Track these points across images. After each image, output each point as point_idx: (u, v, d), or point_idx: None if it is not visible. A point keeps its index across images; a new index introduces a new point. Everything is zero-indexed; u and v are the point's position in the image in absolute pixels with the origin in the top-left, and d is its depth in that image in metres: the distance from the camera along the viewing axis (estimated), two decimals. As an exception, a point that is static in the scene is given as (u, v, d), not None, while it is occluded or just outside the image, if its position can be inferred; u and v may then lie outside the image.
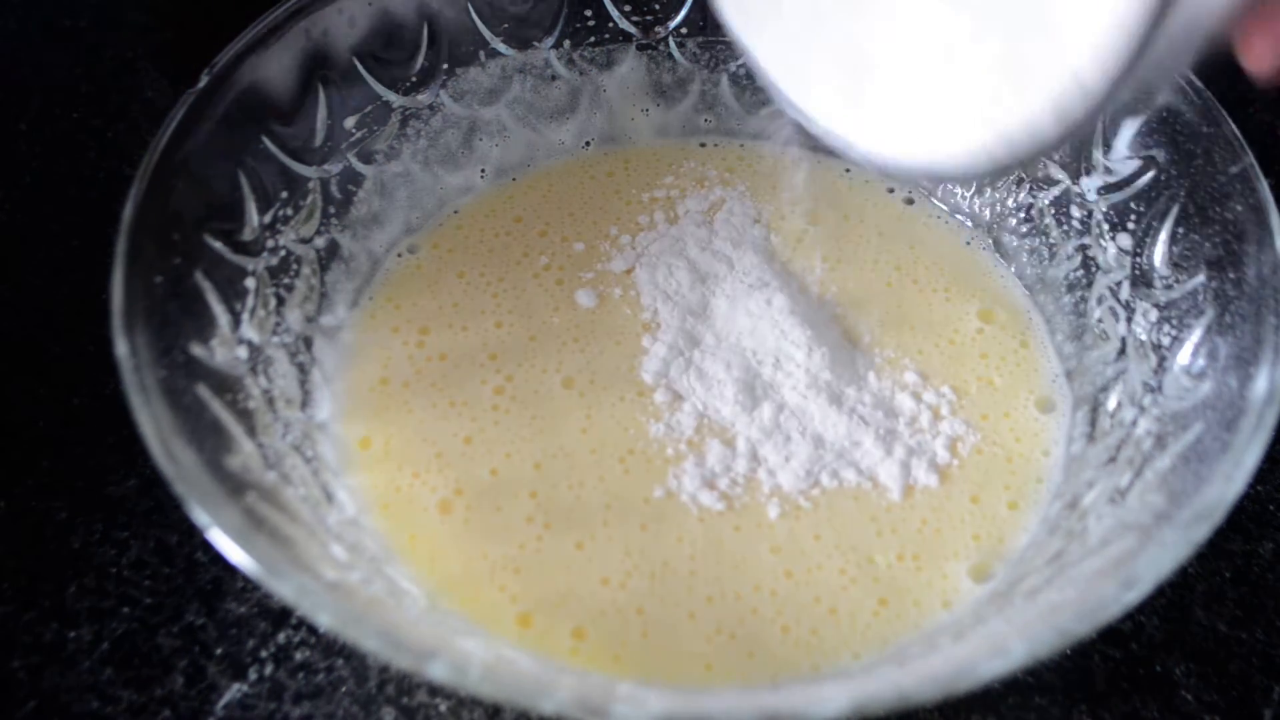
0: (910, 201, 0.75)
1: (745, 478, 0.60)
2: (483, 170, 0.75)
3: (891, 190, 0.75)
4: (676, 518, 0.59)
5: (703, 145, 0.78)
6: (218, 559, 0.59)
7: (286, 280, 0.63)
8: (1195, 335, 0.58)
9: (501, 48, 0.73)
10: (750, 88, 0.77)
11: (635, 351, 0.66)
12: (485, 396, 0.64)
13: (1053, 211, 0.69)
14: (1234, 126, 0.60)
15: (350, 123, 0.68)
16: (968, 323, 0.69)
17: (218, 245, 0.58)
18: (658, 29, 0.76)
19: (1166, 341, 0.60)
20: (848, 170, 0.76)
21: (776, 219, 0.73)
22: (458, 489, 0.60)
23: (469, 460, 0.61)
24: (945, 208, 0.74)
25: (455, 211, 0.74)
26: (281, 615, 0.59)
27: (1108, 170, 0.66)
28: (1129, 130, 0.64)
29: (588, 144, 0.78)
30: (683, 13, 0.76)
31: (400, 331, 0.67)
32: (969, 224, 0.74)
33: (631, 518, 0.59)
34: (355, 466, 0.60)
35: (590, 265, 0.71)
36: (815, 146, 0.76)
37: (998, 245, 0.73)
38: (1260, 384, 0.51)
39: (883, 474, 0.60)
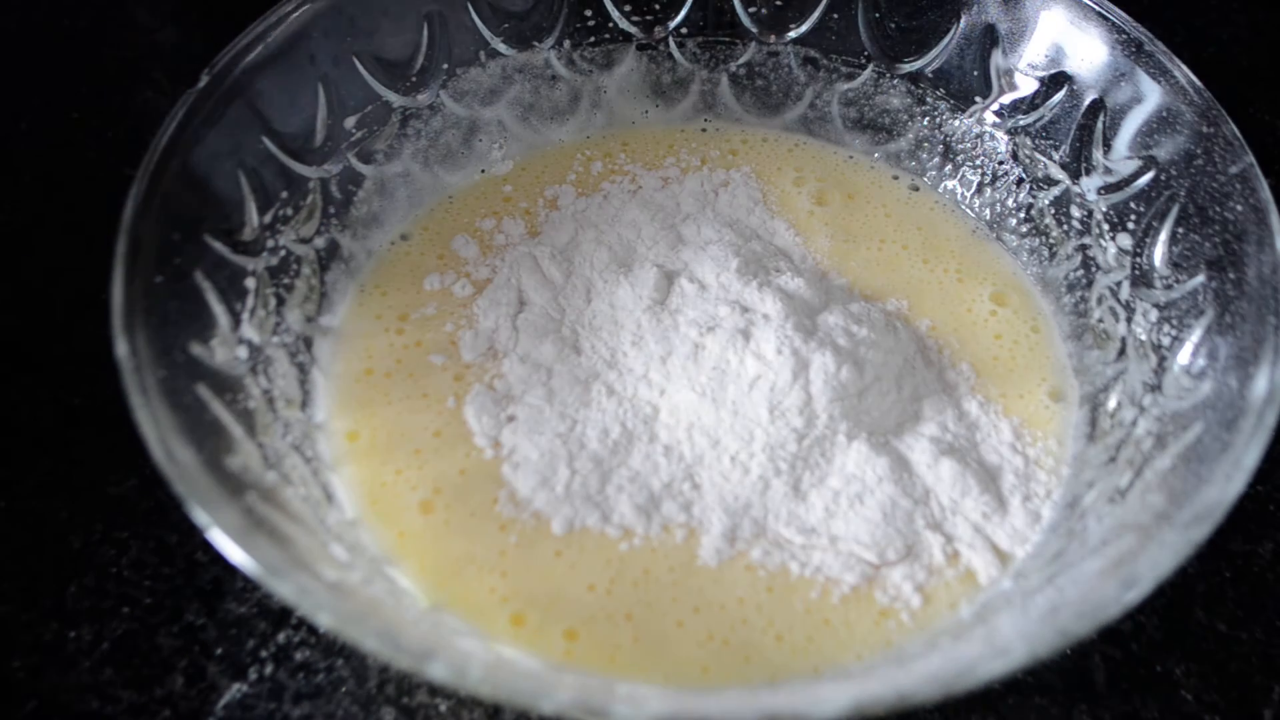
0: (915, 189, 0.75)
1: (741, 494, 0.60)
2: (483, 170, 0.75)
3: (896, 177, 0.76)
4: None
5: (704, 130, 0.78)
6: (218, 559, 0.59)
7: (286, 280, 0.63)
8: (1195, 335, 0.58)
9: (501, 48, 0.73)
10: (750, 88, 0.78)
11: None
12: (446, 386, 0.64)
13: (1053, 211, 0.69)
14: (1234, 126, 0.60)
15: (350, 123, 0.68)
16: (980, 305, 0.69)
17: (218, 245, 0.58)
18: (658, 29, 0.76)
19: (1166, 341, 0.60)
20: (850, 157, 0.77)
21: (782, 199, 0.73)
22: (436, 488, 0.59)
23: (440, 457, 0.60)
24: (951, 197, 0.75)
25: (450, 198, 0.74)
26: (281, 615, 0.59)
27: (1108, 170, 0.66)
28: (1129, 130, 0.64)
29: (588, 139, 0.78)
30: (683, 13, 0.76)
31: (383, 319, 0.67)
32: (973, 214, 0.74)
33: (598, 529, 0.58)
34: (345, 460, 0.60)
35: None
36: (817, 129, 0.77)
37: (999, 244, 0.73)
38: (1260, 384, 0.51)
39: (893, 475, 0.60)
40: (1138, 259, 0.63)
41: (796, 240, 0.71)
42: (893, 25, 0.73)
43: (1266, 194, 0.57)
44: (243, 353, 0.58)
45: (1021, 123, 0.70)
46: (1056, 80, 0.68)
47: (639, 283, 0.66)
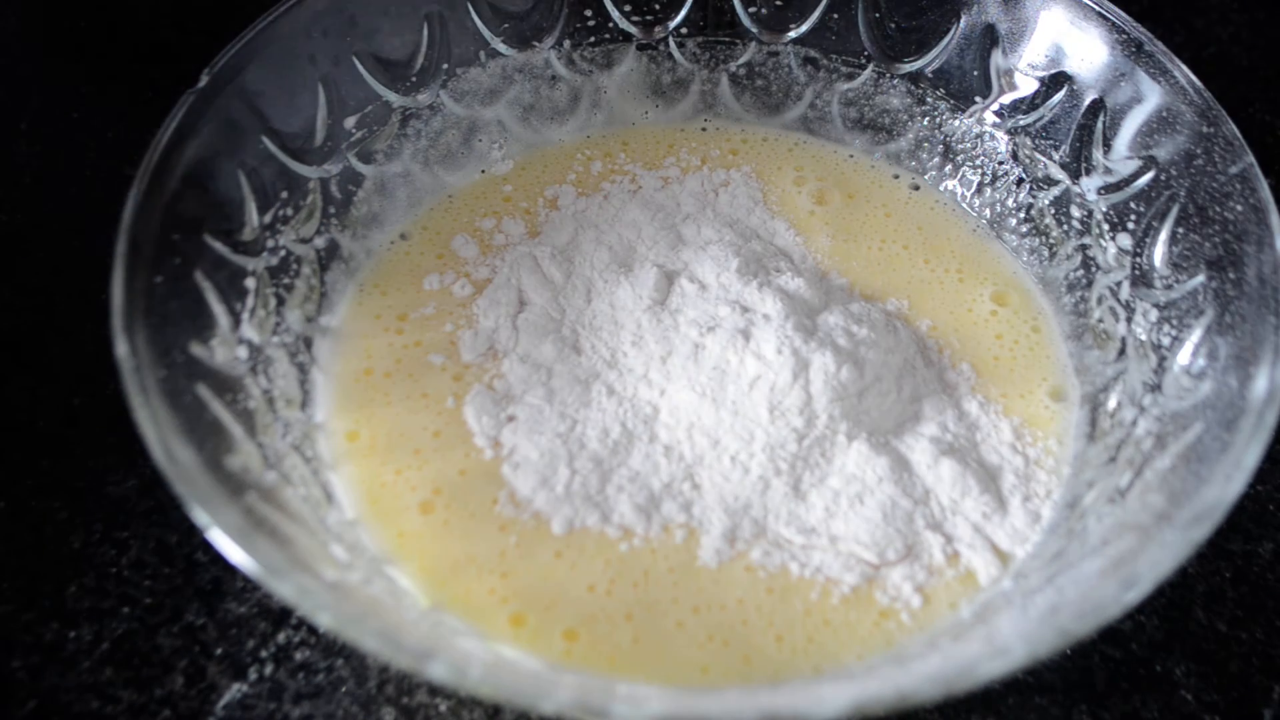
0: (916, 188, 0.75)
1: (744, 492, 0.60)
2: (483, 170, 0.75)
3: (896, 176, 0.76)
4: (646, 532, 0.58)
5: (704, 129, 0.78)
6: (218, 559, 0.59)
7: (286, 280, 0.63)
8: (1195, 335, 0.58)
9: (501, 48, 0.73)
10: (750, 88, 0.78)
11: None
12: (446, 386, 0.63)
13: (1053, 211, 0.69)
14: (1234, 126, 0.60)
15: (350, 123, 0.68)
16: (981, 305, 0.69)
17: (218, 245, 0.58)
18: (658, 29, 0.76)
19: (1166, 341, 0.60)
20: (851, 156, 0.77)
21: (782, 199, 0.73)
22: (436, 488, 0.59)
23: (440, 457, 0.60)
24: (951, 197, 0.75)
25: (450, 198, 0.74)
26: (281, 615, 0.59)
27: (1108, 170, 0.66)
28: (1129, 130, 0.64)
29: (588, 139, 0.78)
30: (683, 13, 0.76)
31: (382, 319, 0.67)
32: (973, 214, 0.74)
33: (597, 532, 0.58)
34: (344, 460, 0.60)
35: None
36: (817, 128, 0.77)
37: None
38: (1260, 384, 0.51)
39: (890, 475, 0.60)
40: (1138, 259, 0.63)
41: (796, 240, 0.71)
42: (893, 25, 0.73)
43: (1266, 194, 0.57)
44: (243, 353, 0.58)
45: (1021, 123, 0.70)
46: (1056, 80, 0.68)
47: (639, 283, 0.66)
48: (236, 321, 0.58)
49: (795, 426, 0.59)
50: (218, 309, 0.57)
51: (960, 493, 0.59)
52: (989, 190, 0.73)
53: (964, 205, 0.74)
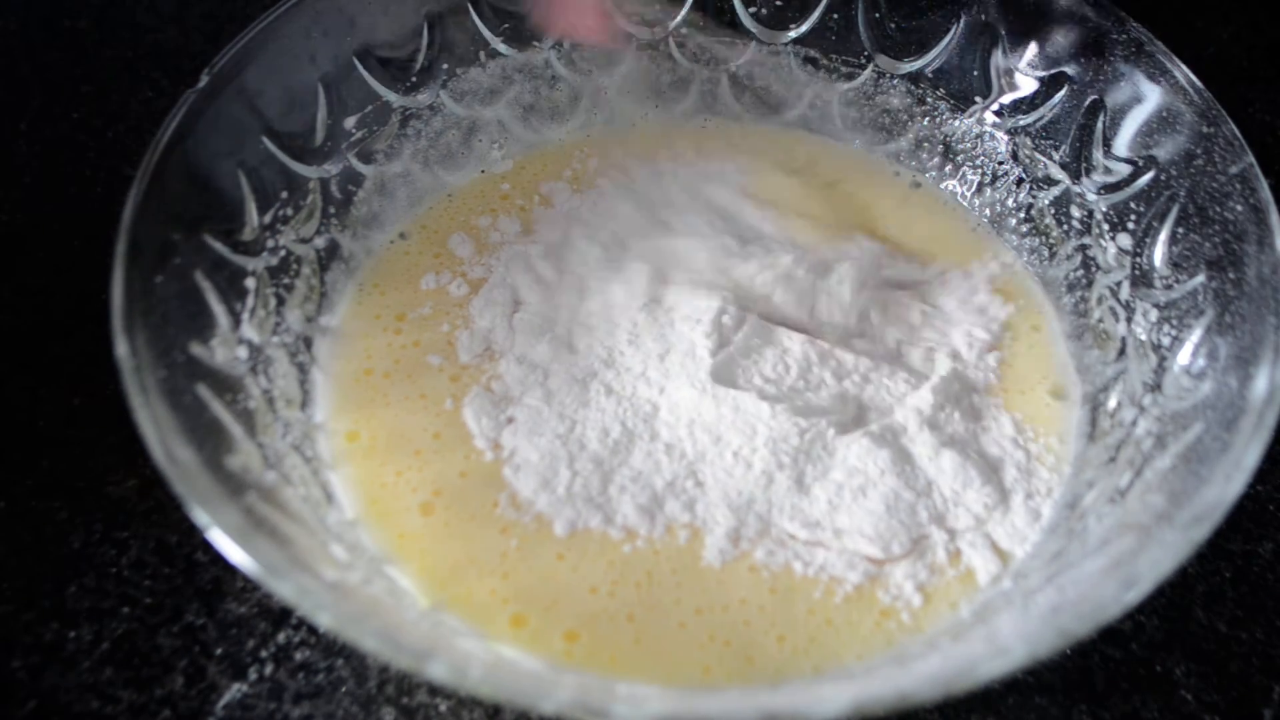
0: (917, 185, 0.75)
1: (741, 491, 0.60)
2: (482, 170, 0.75)
3: (897, 174, 0.76)
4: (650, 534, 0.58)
5: (703, 127, 0.78)
6: (218, 559, 0.59)
7: (286, 280, 0.63)
8: (1195, 335, 0.58)
9: (501, 48, 0.73)
10: (751, 89, 0.78)
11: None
12: (444, 388, 0.63)
13: (1053, 211, 0.69)
14: (1234, 126, 0.60)
15: (350, 123, 0.68)
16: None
17: (218, 245, 0.58)
18: (658, 29, 0.76)
19: (1166, 341, 0.60)
20: (851, 155, 0.76)
21: (779, 195, 0.73)
22: (436, 490, 0.59)
23: (441, 458, 0.60)
24: (952, 196, 0.75)
25: (449, 195, 0.74)
26: (281, 615, 0.59)
27: (1108, 170, 0.66)
28: (1129, 130, 0.64)
29: (588, 138, 0.78)
30: (683, 13, 0.76)
31: (381, 319, 0.66)
32: (974, 212, 0.74)
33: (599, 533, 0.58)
34: (344, 460, 0.60)
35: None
36: (817, 128, 0.77)
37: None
38: (1260, 384, 0.51)
39: (891, 469, 0.60)
40: (1138, 259, 0.63)
41: (796, 238, 0.71)
42: (893, 25, 0.73)
43: (1266, 194, 0.57)
44: (243, 353, 0.58)
45: (1021, 123, 0.70)
46: (1056, 80, 0.68)
47: (632, 279, 0.66)
48: (236, 321, 0.58)
49: (796, 420, 0.59)
50: (218, 309, 0.57)
51: (962, 484, 0.59)
52: (989, 190, 0.73)
53: (964, 204, 0.74)
